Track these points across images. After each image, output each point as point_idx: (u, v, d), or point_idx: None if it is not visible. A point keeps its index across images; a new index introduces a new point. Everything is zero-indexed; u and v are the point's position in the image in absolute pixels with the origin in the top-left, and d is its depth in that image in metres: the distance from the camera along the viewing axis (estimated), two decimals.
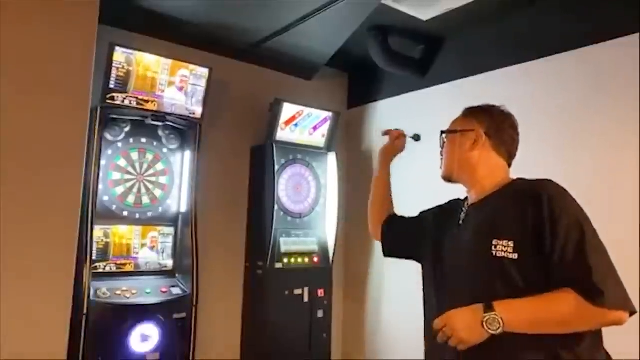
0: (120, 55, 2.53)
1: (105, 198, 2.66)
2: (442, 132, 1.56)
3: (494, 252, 1.17)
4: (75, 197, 2.31)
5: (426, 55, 3.34)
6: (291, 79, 3.63)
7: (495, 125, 1.46)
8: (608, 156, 2.38)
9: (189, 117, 2.82)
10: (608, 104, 2.39)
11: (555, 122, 2.59)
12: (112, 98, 2.55)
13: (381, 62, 3.23)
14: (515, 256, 1.14)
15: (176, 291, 2.71)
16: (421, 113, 3.41)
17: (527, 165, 2.70)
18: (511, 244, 1.15)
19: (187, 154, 2.91)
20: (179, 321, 2.62)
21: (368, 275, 3.65)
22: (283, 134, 3.27)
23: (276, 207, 3.14)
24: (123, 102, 2.59)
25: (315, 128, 3.43)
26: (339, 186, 3.48)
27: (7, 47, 2.12)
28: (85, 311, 2.34)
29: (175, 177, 2.91)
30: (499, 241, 1.17)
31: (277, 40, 3.07)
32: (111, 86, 2.53)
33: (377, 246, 3.57)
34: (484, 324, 1.11)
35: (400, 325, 3.37)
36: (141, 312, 2.49)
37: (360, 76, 3.93)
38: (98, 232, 2.58)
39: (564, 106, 2.56)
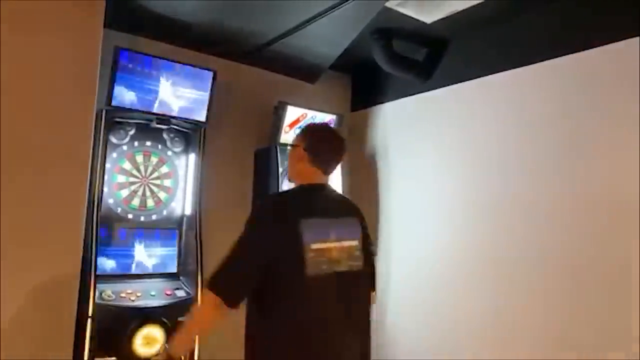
0: (125, 58, 2.53)
1: (110, 201, 2.67)
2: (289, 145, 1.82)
3: None
4: (81, 200, 2.32)
5: (430, 58, 3.34)
6: (295, 82, 3.63)
7: (312, 142, 1.65)
8: (609, 160, 2.38)
9: (193, 120, 2.83)
10: (610, 108, 2.39)
11: (558, 124, 2.59)
12: (117, 101, 2.55)
13: (385, 64, 3.24)
14: None
15: (180, 294, 2.71)
16: (425, 116, 3.42)
17: (526, 165, 2.70)
18: None
19: (192, 156, 2.92)
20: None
21: None
22: (287, 136, 3.27)
23: None
24: (128, 105, 2.59)
25: None
26: (343, 189, 3.47)
27: (12, 51, 2.13)
28: (90, 313, 2.34)
29: (179, 180, 2.91)
30: None
31: (281, 43, 3.08)
32: (116, 89, 2.54)
33: (381, 248, 3.58)
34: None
35: (404, 327, 3.36)
36: (146, 315, 2.49)
37: (363, 79, 3.94)
38: (103, 234, 2.58)
39: (568, 109, 2.56)
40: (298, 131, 1.81)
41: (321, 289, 1.45)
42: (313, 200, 1.59)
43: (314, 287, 1.43)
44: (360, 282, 1.58)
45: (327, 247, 1.47)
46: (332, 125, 1.87)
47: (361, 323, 1.57)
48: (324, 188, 1.65)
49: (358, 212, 1.75)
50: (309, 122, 3.32)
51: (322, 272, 1.44)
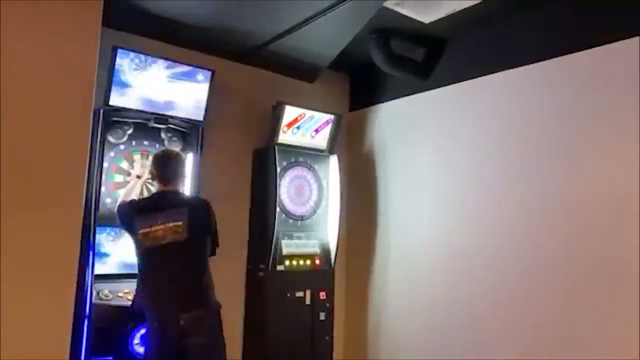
0: (123, 58, 2.53)
1: (108, 200, 2.66)
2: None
3: None
4: (78, 199, 2.32)
5: (428, 57, 3.35)
6: (293, 82, 3.64)
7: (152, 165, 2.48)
8: (608, 159, 2.38)
9: (191, 119, 2.83)
10: (609, 108, 2.40)
11: (557, 124, 2.59)
12: (115, 100, 2.55)
13: (383, 64, 3.24)
14: None
15: None
16: (423, 115, 3.43)
17: (525, 164, 2.71)
18: None
19: (190, 156, 2.92)
20: None
21: (370, 278, 3.65)
22: (285, 136, 3.28)
23: (278, 209, 3.14)
24: (126, 104, 2.60)
25: (317, 130, 3.44)
26: (341, 188, 3.48)
27: (10, 50, 2.13)
28: (87, 313, 2.34)
29: None
30: None
31: (279, 43, 3.08)
32: (114, 89, 2.54)
33: (379, 248, 3.59)
34: None
35: (403, 327, 3.37)
36: (143, 314, 2.49)
37: (362, 79, 3.94)
38: (100, 234, 2.58)
39: (567, 108, 2.56)
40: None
41: (151, 254, 2.31)
42: (149, 202, 2.46)
43: (147, 254, 2.32)
44: (185, 246, 2.32)
45: (153, 229, 2.30)
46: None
47: (186, 271, 2.35)
48: (164, 193, 2.43)
49: (189, 204, 2.45)
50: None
51: (149, 245, 2.30)
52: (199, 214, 2.43)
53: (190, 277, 2.35)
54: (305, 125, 3.36)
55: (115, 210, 2.46)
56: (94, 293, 2.42)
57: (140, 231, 2.30)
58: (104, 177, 2.59)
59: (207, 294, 2.36)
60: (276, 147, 3.19)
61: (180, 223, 2.34)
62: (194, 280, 2.35)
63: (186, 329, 2.20)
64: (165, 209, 2.36)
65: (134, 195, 2.57)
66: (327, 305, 3.32)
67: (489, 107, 2.96)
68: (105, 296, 2.47)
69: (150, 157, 2.56)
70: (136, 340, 2.46)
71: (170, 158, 2.48)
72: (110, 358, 2.42)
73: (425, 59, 3.36)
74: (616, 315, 2.26)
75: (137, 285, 2.36)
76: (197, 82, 2.81)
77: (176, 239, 2.31)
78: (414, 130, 3.47)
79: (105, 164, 2.61)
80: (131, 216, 2.35)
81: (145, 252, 2.31)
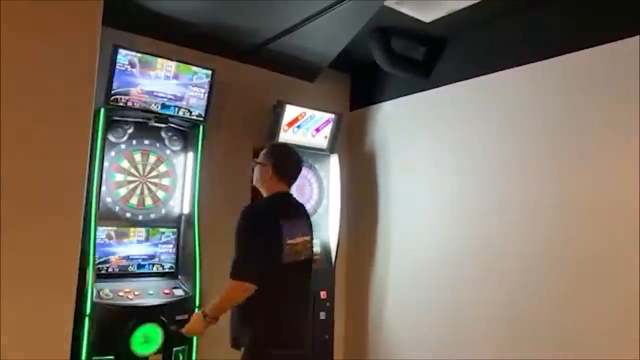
0: (123, 57, 2.53)
1: (109, 199, 2.67)
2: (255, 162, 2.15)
3: None
4: (79, 198, 2.32)
5: (429, 57, 3.34)
6: (294, 81, 3.63)
7: (279, 163, 2.08)
8: (609, 158, 2.38)
9: (191, 118, 2.83)
10: (610, 107, 2.39)
11: (557, 123, 2.59)
12: (116, 100, 2.56)
13: (384, 63, 3.24)
14: None
15: (179, 293, 2.71)
16: (424, 115, 3.42)
17: (526, 163, 2.71)
18: None
19: (190, 155, 2.92)
20: (181, 323, 2.62)
21: (371, 277, 3.65)
22: (286, 135, 3.27)
23: None
24: (126, 104, 2.60)
25: (317, 130, 3.43)
26: (342, 188, 3.48)
27: (11, 49, 2.12)
28: (88, 312, 2.34)
29: (178, 179, 2.91)
30: None
31: (280, 42, 3.08)
32: (114, 88, 2.54)
33: (380, 247, 3.59)
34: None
35: (403, 327, 3.37)
36: (144, 314, 2.49)
37: (362, 78, 3.94)
38: (101, 233, 2.58)
39: (568, 107, 2.56)
40: (266, 149, 2.16)
41: (287, 273, 1.96)
42: (286, 205, 2.08)
43: (282, 272, 1.95)
44: (310, 269, 2.10)
45: (296, 241, 1.99)
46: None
47: (308, 301, 2.19)
48: (288, 197, 2.12)
49: (306, 213, 2.21)
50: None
51: (288, 260, 1.96)
52: (312, 227, 2.17)
53: (308, 310, 2.14)
54: (305, 125, 3.36)
55: (250, 212, 2.00)
56: (95, 292, 2.41)
57: (289, 241, 1.94)
58: (104, 176, 2.58)
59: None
60: None
61: (308, 238, 2.08)
62: (307, 315, 2.12)
63: None
64: (296, 216, 2.08)
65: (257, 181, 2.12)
66: (328, 304, 3.32)
67: (490, 105, 2.96)
68: (106, 295, 2.47)
69: (268, 148, 2.16)
70: (137, 340, 2.46)
71: (294, 152, 2.15)
72: (111, 357, 2.42)
73: (426, 58, 3.35)
74: (617, 315, 2.26)
75: (246, 321, 1.93)
76: (197, 81, 2.81)
77: (307, 257, 2.06)
78: (415, 129, 3.47)
79: (105, 163, 2.60)
80: (278, 221, 1.94)
81: (281, 270, 1.92)
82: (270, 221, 1.93)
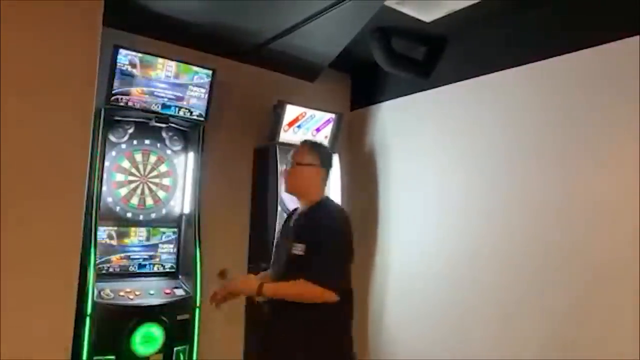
0: (124, 57, 2.54)
1: (109, 199, 2.67)
2: (297, 163, 1.98)
3: (293, 251, 1.82)
4: (79, 198, 2.32)
5: (429, 56, 3.34)
6: (294, 81, 3.63)
7: (326, 160, 1.99)
8: (609, 158, 2.38)
9: (192, 118, 2.83)
10: (610, 107, 2.39)
11: (557, 123, 2.59)
12: (116, 100, 2.56)
13: (384, 63, 3.24)
14: (302, 253, 1.78)
15: (179, 292, 2.71)
16: (424, 114, 3.42)
17: (526, 163, 2.71)
18: (302, 246, 1.79)
19: (191, 155, 2.92)
20: (182, 322, 2.62)
21: (370, 277, 3.65)
22: (286, 135, 3.28)
23: (279, 208, 3.14)
24: (127, 104, 2.60)
25: (318, 129, 3.44)
26: (342, 187, 3.48)
27: (11, 49, 2.12)
28: (89, 312, 2.34)
29: (178, 179, 2.91)
30: (296, 244, 1.81)
31: (280, 42, 3.08)
32: (115, 88, 2.54)
33: (380, 247, 3.59)
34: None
35: (404, 326, 3.37)
36: (144, 313, 2.50)
37: (363, 78, 3.94)
38: (102, 233, 2.59)
39: (568, 107, 2.56)
40: (310, 147, 2.01)
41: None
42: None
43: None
44: None
45: None
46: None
47: None
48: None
49: None
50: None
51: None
52: None
53: None
54: (306, 124, 3.36)
55: (347, 217, 1.94)
56: (96, 292, 2.42)
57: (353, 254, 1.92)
58: (105, 176, 2.59)
59: None
60: (277, 146, 3.19)
61: None
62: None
63: None
64: None
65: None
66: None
67: (491, 105, 2.96)
68: (107, 295, 2.47)
69: (308, 147, 2.00)
70: (138, 340, 2.47)
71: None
72: (112, 357, 2.42)
73: (427, 57, 3.35)
74: (617, 315, 2.26)
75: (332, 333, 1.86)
76: (198, 81, 2.81)
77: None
78: (416, 129, 3.47)
79: (106, 163, 2.61)
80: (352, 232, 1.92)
81: (350, 282, 1.89)
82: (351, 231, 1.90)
